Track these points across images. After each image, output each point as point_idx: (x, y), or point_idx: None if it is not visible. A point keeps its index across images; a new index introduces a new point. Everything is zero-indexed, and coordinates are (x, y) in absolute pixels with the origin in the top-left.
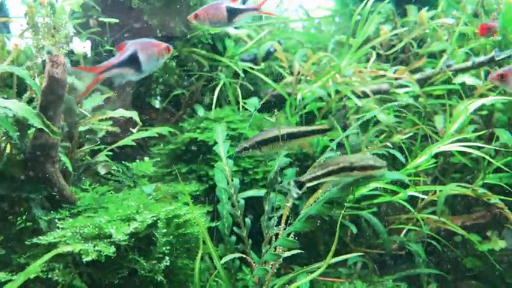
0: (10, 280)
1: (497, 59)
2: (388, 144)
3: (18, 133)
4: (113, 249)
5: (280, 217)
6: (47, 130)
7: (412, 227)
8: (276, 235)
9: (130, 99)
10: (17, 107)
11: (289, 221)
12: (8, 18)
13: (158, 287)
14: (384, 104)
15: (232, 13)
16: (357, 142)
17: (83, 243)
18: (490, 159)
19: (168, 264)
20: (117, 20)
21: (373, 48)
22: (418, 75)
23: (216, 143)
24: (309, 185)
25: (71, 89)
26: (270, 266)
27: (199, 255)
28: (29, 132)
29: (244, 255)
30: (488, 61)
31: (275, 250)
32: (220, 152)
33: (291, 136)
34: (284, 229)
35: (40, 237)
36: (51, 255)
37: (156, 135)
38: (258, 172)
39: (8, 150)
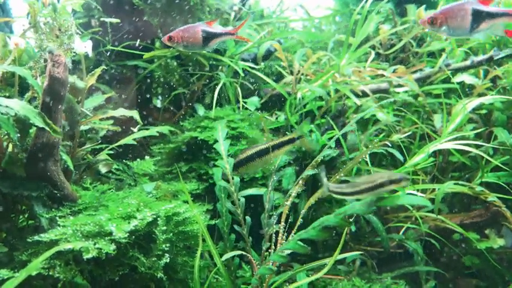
0: (12, 277)
1: (496, 58)
2: (387, 143)
3: (20, 132)
4: (113, 246)
5: (279, 215)
6: (48, 129)
7: (410, 225)
8: (276, 233)
9: (132, 99)
10: (18, 106)
11: (289, 220)
12: (11, 18)
13: (158, 283)
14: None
15: (208, 37)
16: (355, 141)
17: (83, 241)
18: (489, 158)
19: (168, 261)
20: (118, 20)
21: (373, 47)
22: (417, 75)
23: (216, 141)
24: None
25: (72, 89)
26: (271, 265)
27: (198, 252)
28: (30, 131)
29: (244, 253)
30: (487, 60)
31: (275, 250)
32: (221, 150)
33: (259, 154)
34: (284, 228)
35: (41, 234)
36: (52, 252)
37: (157, 134)
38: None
39: (10, 149)
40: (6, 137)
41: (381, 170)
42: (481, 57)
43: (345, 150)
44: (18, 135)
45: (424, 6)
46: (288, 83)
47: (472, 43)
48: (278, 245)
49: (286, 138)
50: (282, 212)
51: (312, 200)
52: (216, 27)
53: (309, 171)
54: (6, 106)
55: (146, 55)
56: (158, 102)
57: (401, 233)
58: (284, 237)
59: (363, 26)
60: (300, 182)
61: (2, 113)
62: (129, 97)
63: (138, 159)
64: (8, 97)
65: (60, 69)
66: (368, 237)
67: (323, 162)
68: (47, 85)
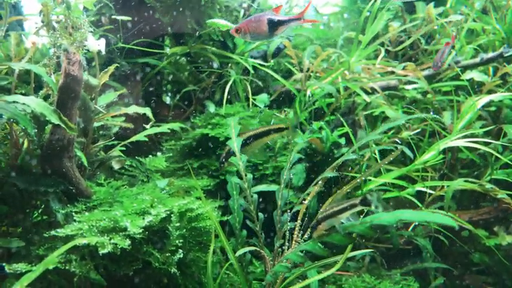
0: (30, 270)
1: (505, 55)
2: (397, 140)
3: (36, 129)
4: (128, 242)
5: (294, 213)
6: (63, 126)
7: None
8: (291, 230)
9: (142, 96)
10: (35, 103)
11: (305, 218)
12: (23, 16)
13: (171, 279)
14: (392, 100)
15: (274, 25)
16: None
17: (99, 236)
18: (498, 155)
19: (181, 256)
20: (129, 18)
21: (382, 44)
22: (426, 72)
23: (227, 138)
24: None
25: (86, 86)
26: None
27: (211, 248)
28: (46, 128)
29: (257, 249)
30: (496, 57)
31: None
32: (234, 147)
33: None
34: (301, 226)
35: (58, 229)
36: (69, 246)
37: (168, 131)
38: (268, 167)
39: (25, 145)
40: (23, 133)
41: (391, 167)
42: (490, 55)
43: (356, 148)
44: (35, 130)
45: (432, 3)
46: (298, 80)
47: (481, 40)
48: (293, 242)
49: (274, 126)
50: (298, 211)
51: (330, 200)
52: (281, 16)
53: (328, 173)
54: (23, 103)
55: (171, 50)
56: (168, 99)
57: (410, 229)
58: (300, 235)
59: (373, 23)
60: (320, 182)
61: (19, 110)
62: (140, 94)
63: (150, 156)
64: (24, 94)
65: (75, 67)
66: (377, 234)
67: (333, 160)
68: (63, 83)
